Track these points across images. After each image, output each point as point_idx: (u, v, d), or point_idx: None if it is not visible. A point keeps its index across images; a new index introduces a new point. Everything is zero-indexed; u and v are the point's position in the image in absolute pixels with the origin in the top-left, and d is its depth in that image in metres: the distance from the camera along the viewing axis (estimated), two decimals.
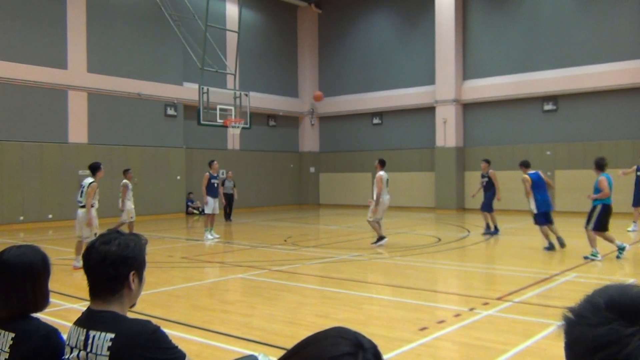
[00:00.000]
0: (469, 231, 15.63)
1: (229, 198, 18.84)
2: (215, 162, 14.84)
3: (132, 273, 2.02)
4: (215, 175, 14.69)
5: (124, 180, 13.69)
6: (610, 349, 0.89)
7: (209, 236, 14.17)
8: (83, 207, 9.84)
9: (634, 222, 14.20)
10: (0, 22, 16.86)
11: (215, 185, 14.62)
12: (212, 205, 14.40)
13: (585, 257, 10.21)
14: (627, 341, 0.88)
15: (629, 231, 14.10)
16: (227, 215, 19.42)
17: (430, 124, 23.03)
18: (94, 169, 10.11)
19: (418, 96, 23.47)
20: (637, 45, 18.79)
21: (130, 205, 13.62)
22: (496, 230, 14.24)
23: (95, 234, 9.57)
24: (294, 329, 5.90)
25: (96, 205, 10.04)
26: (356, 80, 25.59)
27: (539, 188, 11.74)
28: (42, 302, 2.25)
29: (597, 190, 10.64)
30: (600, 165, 11.04)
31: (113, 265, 1.97)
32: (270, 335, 5.67)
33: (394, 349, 5.17)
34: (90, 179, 9.94)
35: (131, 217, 13.55)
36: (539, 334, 5.54)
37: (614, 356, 0.88)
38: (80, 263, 9.47)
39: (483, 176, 14.82)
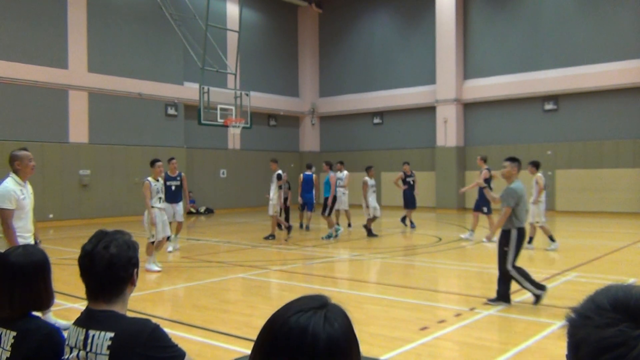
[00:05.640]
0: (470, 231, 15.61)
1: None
2: (174, 160, 12.23)
3: (135, 271, 2.06)
4: (174, 176, 11.93)
5: (365, 177, 14.39)
6: (617, 350, 0.88)
7: (169, 248, 11.58)
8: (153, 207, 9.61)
9: (472, 230, 13.34)
10: (1, 21, 16.86)
11: (172, 188, 11.78)
12: (169, 211, 11.34)
13: (327, 237, 13.55)
14: (635, 343, 0.88)
15: (463, 237, 13.23)
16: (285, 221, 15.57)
17: (430, 123, 23.02)
18: (150, 164, 9.87)
19: (419, 96, 23.46)
20: (638, 44, 18.78)
21: (372, 202, 14.08)
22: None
23: (152, 236, 9.47)
24: None
25: (158, 204, 9.62)
26: (357, 79, 25.58)
27: (306, 185, 15.38)
28: (50, 299, 2.29)
29: (329, 185, 14.31)
30: (331, 166, 14.87)
31: (123, 268, 2.00)
32: None
33: (394, 348, 5.17)
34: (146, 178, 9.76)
35: (373, 214, 14.01)
36: (539, 334, 5.54)
37: (621, 358, 0.88)
38: (154, 266, 9.27)
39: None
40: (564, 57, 20.10)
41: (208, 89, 16.71)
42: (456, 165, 22.20)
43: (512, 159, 7.20)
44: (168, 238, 9.81)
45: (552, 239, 11.63)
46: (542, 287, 6.76)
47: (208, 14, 17.07)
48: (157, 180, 9.79)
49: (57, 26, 18.00)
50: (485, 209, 13.16)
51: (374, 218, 14.23)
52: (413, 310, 6.76)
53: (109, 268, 1.97)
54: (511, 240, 6.79)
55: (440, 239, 13.54)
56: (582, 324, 0.95)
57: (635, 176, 18.97)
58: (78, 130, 18.55)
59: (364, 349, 1.91)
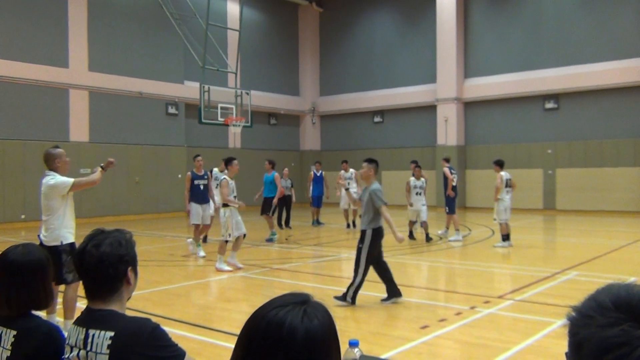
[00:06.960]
0: (470, 230, 15.62)
1: (286, 200, 15.76)
2: (199, 157, 11.66)
3: (129, 269, 2.04)
4: (201, 174, 11.44)
5: (410, 177, 13.42)
6: (620, 350, 0.88)
7: (200, 253, 10.96)
8: (224, 205, 9.57)
9: (447, 228, 13.62)
10: (2, 20, 16.86)
11: (201, 187, 11.36)
12: (197, 213, 11.26)
13: (268, 240, 13.08)
14: (638, 343, 0.88)
15: (451, 240, 13.08)
16: (286, 222, 16.26)
17: (431, 122, 23.01)
18: (226, 162, 9.91)
19: (419, 94, 23.45)
20: (638, 43, 18.76)
21: (412, 205, 12.97)
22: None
23: (229, 235, 9.48)
24: None
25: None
26: (357, 78, 25.57)
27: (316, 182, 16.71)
28: (50, 298, 2.28)
29: (273, 185, 13.78)
30: (274, 165, 14.21)
31: (112, 266, 1.98)
32: None
33: (395, 347, 5.18)
34: (222, 175, 9.95)
35: (415, 217, 13.00)
36: (540, 332, 5.54)
37: (624, 358, 0.88)
38: (225, 265, 9.33)
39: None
40: (564, 56, 20.08)
41: (209, 88, 16.71)
42: (457, 164, 22.14)
43: (370, 160, 7.12)
44: (244, 235, 9.83)
45: (504, 238, 11.83)
46: (398, 294, 6.93)
47: (209, 13, 17.08)
48: (232, 179, 9.83)
49: (57, 25, 18.00)
50: (447, 209, 13.45)
51: (413, 222, 13.21)
52: (413, 308, 6.76)
53: (98, 266, 1.97)
54: (366, 238, 6.89)
55: (440, 238, 13.54)
56: (585, 323, 0.95)
57: (635, 175, 18.96)
58: (78, 129, 18.56)
59: (364, 348, 1.91)
